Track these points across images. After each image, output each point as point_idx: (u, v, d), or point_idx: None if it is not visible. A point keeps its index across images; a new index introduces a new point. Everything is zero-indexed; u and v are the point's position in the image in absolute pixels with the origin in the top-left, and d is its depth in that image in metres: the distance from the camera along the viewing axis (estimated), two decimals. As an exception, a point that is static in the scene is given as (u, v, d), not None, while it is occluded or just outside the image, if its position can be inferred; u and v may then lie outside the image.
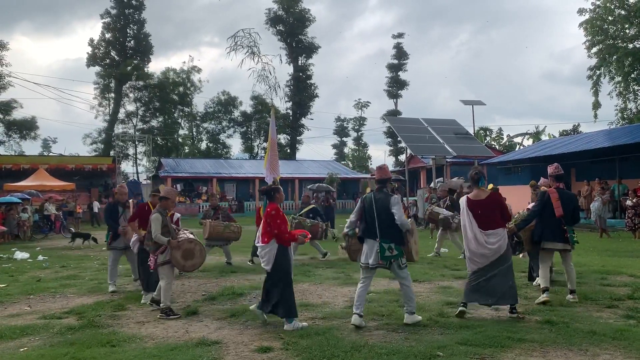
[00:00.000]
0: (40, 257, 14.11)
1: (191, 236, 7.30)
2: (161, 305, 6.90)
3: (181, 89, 55.59)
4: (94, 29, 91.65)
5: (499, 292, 6.28)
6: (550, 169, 7.63)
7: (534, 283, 8.19)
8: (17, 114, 48.28)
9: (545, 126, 48.33)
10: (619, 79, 35.78)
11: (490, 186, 11.55)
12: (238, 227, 11.66)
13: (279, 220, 6.24)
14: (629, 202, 16.37)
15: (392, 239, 6.12)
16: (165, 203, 7.20)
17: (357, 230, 6.59)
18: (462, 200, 6.69)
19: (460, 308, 6.40)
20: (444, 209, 12.63)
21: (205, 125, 58.93)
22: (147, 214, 7.57)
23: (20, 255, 14.35)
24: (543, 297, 6.98)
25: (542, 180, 8.78)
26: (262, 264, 6.37)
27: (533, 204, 8.12)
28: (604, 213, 17.78)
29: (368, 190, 12.11)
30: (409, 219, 6.76)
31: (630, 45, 34.78)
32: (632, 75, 35.46)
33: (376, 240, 6.13)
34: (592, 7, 35.04)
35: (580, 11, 35.25)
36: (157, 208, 7.26)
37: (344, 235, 6.90)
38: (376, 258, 6.12)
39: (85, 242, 17.18)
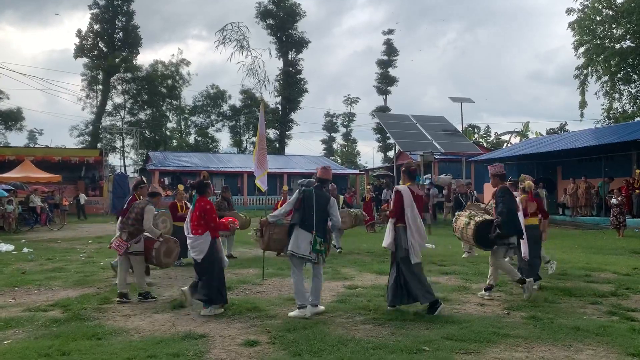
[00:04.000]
0: (26, 250, 13.97)
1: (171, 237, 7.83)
2: (139, 289, 7.35)
3: (170, 81, 55.23)
4: (80, 19, 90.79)
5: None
6: (494, 169, 7.53)
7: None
8: (2, 105, 47.85)
9: (528, 122, 48.18)
10: (606, 78, 36.10)
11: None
12: (247, 217, 12.20)
13: (214, 215, 6.68)
14: (614, 201, 16.55)
15: (323, 235, 6.48)
16: (158, 199, 7.67)
17: (285, 221, 6.83)
18: (407, 192, 6.59)
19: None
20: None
21: (193, 118, 58.74)
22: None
23: (5, 247, 14.18)
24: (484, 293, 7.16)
25: (523, 176, 8.86)
26: (192, 254, 6.71)
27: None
28: None
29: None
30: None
31: (617, 45, 35.08)
32: (619, 75, 35.80)
33: (311, 232, 6.40)
34: (580, 7, 35.33)
35: (569, 11, 35.50)
36: (148, 200, 7.47)
37: (267, 223, 6.81)
38: (306, 249, 6.38)
39: None
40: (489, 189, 21.46)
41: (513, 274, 7.20)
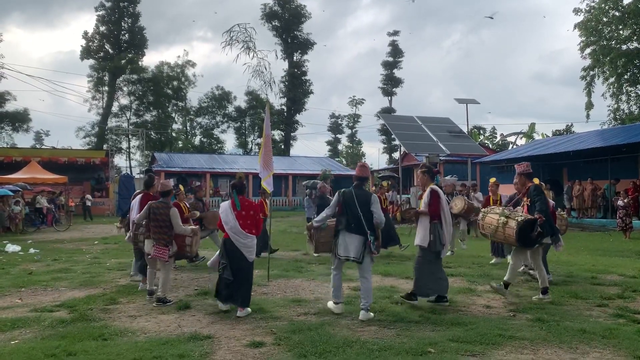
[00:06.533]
0: (32, 250, 14.05)
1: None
2: (159, 294, 7.20)
3: (175, 83, 55.40)
4: (84, 21, 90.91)
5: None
6: (521, 168, 7.51)
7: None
8: (9, 106, 48.14)
9: (534, 123, 47.84)
10: (612, 80, 35.94)
11: (493, 180, 11.45)
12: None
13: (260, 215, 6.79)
14: (620, 202, 16.47)
15: (374, 234, 6.40)
16: (170, 196, 7.63)
17: (328, 223, 6.96)
18: (440, 191, 6.99)
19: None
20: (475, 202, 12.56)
21: (199, 120, 58.82)
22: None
23: (11, 248, 14.27)
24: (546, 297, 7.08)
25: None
26: (247, 254, 6.59)
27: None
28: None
29: (385, 184, 12.00)
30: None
31: (624, 47, 34.92)
32: (625, 76, 35.65)
33: (363, 235, 6.33)
34: (587, 8, 35.20)
35: (576, 11, 35.40)
36: (164, 202, 7.38)
37: (313, 228, 7.20)
38: (357, 252, 6.32)
39: None
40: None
41: (544, 279, 7.21)
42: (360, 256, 6.33)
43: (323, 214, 6.95)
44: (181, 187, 11.58)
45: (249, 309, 6.53)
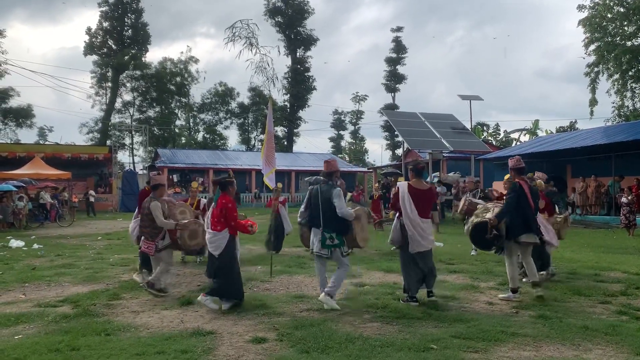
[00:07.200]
0: (36, 246, 14.08)
1: (195, 219, 7.96)
2: (151, 278, 7.31)
3: (178, 79, 55.39)
4: (87, 17, 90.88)
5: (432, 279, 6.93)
6: (512, 162, 7.28)
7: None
8: (13, 102, 48.26)
9: (538, 120, 47.62)
10: (617, 76, 35.82)
11: (507, 176, 11.18)
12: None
13: (235, 213, 6.75)
14: (624, 200, 16.41)
15: (334, 229, 6.50)
16: (161, 190, 7.60)
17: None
18: (403, 186, 6.88)
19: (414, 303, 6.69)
20: (480, 200, 12.35)
21: (202, 116, 58.79)
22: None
23: (15, 243, 14.31)
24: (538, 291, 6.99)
25: (536, 174, 8.71)
26: (210, 250, 6.73)
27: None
28: None
29: (401, 179, 11.97)
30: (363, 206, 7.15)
31: (629, 43, 34.80)
32: (630, 73, 35.51)
33: (319, 229, 6.54)
34: (591, 5, 35.06)
35: (580, 7, 35.26)
36: (152, 196, 7.47)
37: (299, 224, 7.30)
38: (319, 246, 6.54)
39: None
40: (498, 187, 21.33)
41: (534, 274, 7.12)
42: (325, 251, 6.51)
43: (300, 211, 7.10)
44: (194, 183, 11.58)
45: (224, 304, 6.56)
